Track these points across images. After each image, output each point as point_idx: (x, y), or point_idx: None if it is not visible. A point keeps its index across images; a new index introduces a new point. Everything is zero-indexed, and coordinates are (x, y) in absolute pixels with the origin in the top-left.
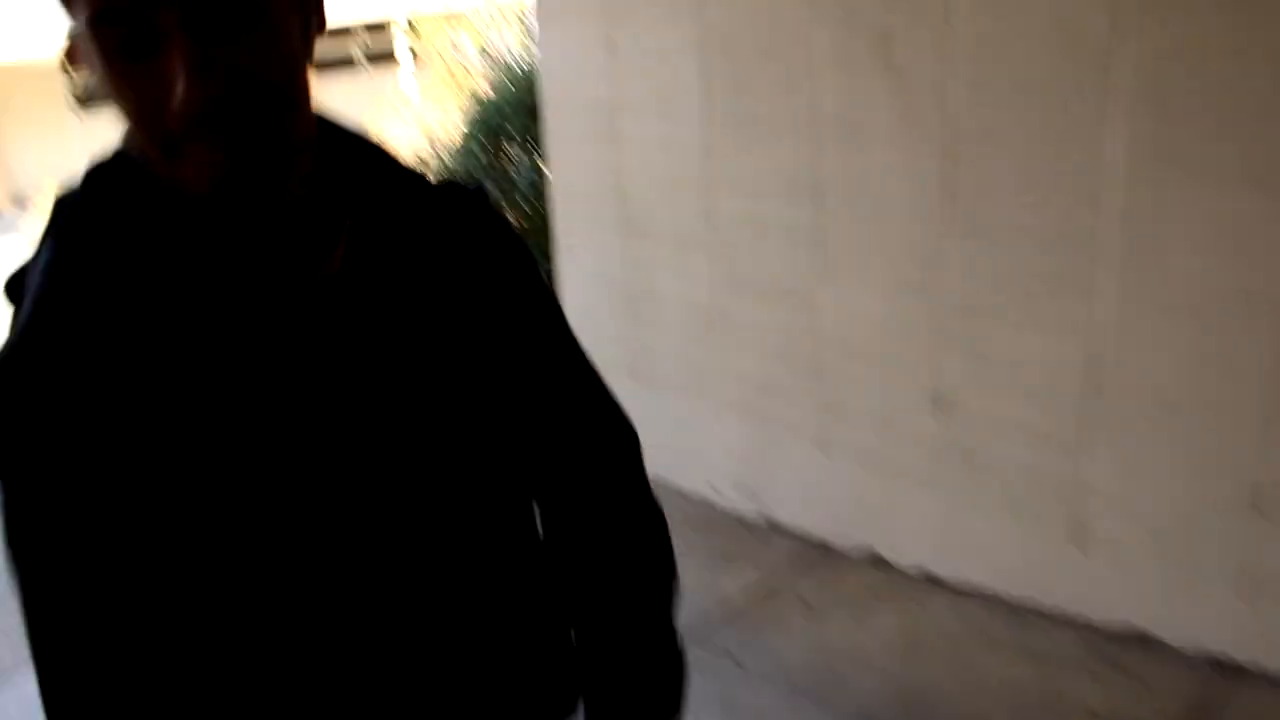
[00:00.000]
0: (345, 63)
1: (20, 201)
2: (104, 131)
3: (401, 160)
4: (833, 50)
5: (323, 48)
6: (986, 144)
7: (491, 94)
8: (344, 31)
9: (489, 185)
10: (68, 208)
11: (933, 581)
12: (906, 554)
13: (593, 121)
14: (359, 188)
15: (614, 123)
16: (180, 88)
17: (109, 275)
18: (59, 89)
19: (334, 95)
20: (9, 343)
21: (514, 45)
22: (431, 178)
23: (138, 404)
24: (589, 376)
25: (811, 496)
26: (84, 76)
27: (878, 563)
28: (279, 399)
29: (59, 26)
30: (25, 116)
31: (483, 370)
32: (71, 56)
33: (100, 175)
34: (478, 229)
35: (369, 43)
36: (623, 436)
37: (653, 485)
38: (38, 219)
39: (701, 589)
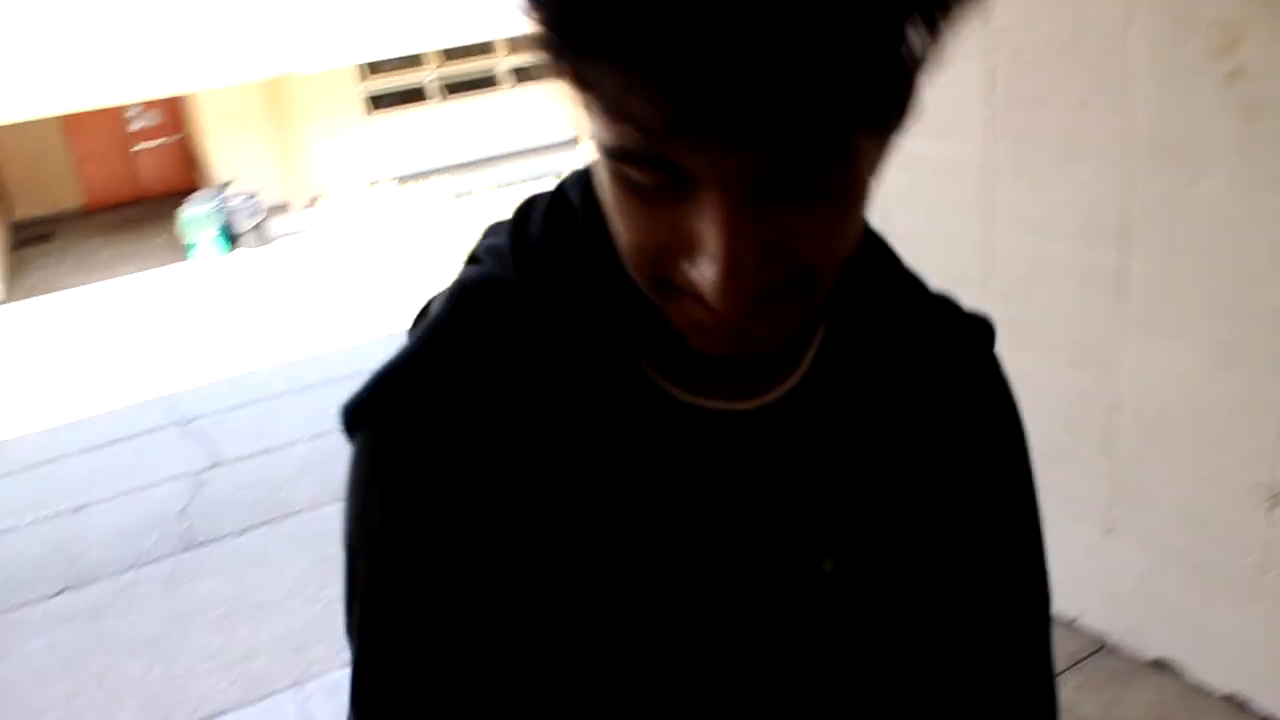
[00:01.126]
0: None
1: (314, 202)
2: (391, 132)
3: (901, 262)
4: (1155, 53)
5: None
6: None
7: None
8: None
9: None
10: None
11: (1240, 706)
12: (1212, 671)
13: None
14: (847, 288)
15: None
16: (709, 267)
17: (520, 348)
18: (353, 95)
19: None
20: (392, 371)
21: None
22: (937, 291)
23: (524, 512)
24: (1041, 623)
25: (1094, 587)
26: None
27: (1170, 674)
28: (693, 533)
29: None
30: (321, 121)
31: (944, 546)
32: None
33: (541, 224)
34: (976, 372)
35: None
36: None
37: None
38: (330, 218)
39: None
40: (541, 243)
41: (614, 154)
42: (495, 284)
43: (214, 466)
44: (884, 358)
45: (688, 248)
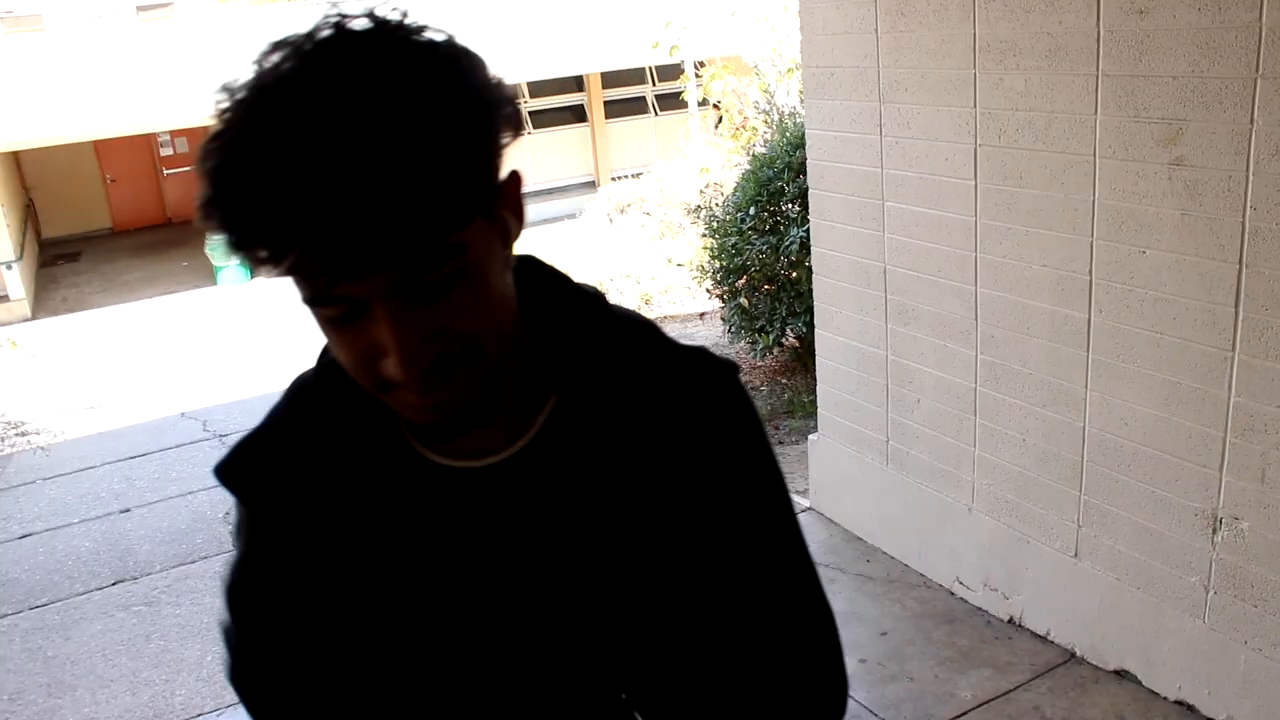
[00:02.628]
0: (638, 104)
1: None
2: None
3: (624, 322)
4: (1116, 140)
5: (616, 91)
6: None
7: (768, 147)
8: (637, 74)
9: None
10: (299, 383)
11: (1189, 710)
12: (1164, 679)
13: (859, 198)
14: (572, 361)
15: (880, 201)
16: (391, 360)
17: (322, 431)
18: None
19: (624, 137)
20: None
21: (794, 99)
22: (674, 340)
23: (335, 549)
24: (809, 614)
25: (1063, 604)
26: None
27: (1128, 682)
28: (446, 566)
29: None
30: None
31: (671, 568)
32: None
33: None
34: (711, 411)
35: (658, 86)
36: (827, 695)
37: (898, 571)
38: None
39: (932, 684)
40: (329, 352)
41: (306, 301)
42: (308, 383)
43: None
44: (610, 414)
45: (378, 352)
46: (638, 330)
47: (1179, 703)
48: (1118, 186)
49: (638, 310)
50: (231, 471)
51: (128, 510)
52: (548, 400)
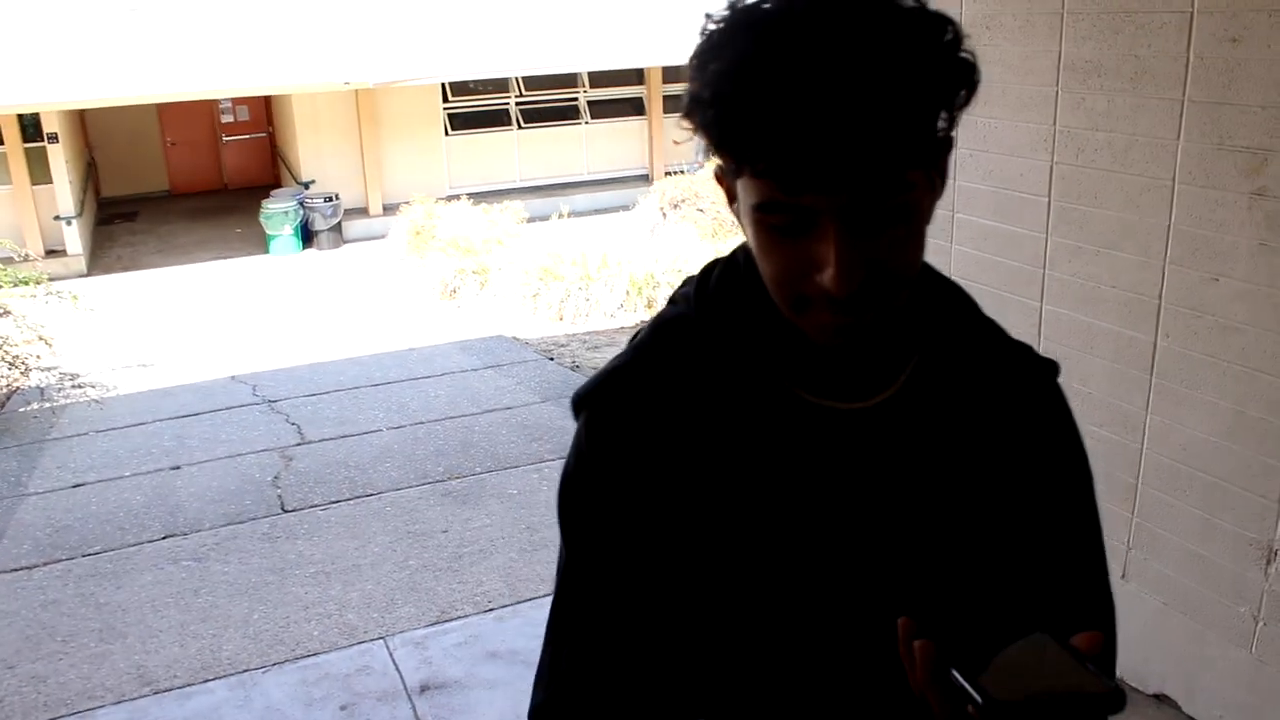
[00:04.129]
0: None
1: (391, 209)
2: (468, 151)
3: (980, 314)
4: (1197, 166)
5: (675, 87)
6: None
7: None
8: None
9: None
10: (661, 321)
11: None
12: (1204, 706)
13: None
14: (936, 327)
15: (951, 212)
16: (829, 276)
17: (697, 366)
18: (428, 108)
19: (680, 132)
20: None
21: None
22: (1009, 334)
23: (697, 486)
24: (1106, 595)
25: None
26: (727, 199)
27: (1167, 707)
28: (822, 501)
29: (442, 57)
30: (399, 131)
31: (1004, 521)
32: (721, 180)
33: (718, 276)
34: (1037, 396)
35: None
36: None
37: None
38: (404, 225)
39: None
40: (714, 291)
41: (760, 208)
42: (682, 320)
43: (300, 444)
44: (962, 379)
45: (812, 266)
46: (987, 321)
47: None
48: (1195, 213)
49: None
50: (594, 400)
51: (178, 467)
52: (911, 359)
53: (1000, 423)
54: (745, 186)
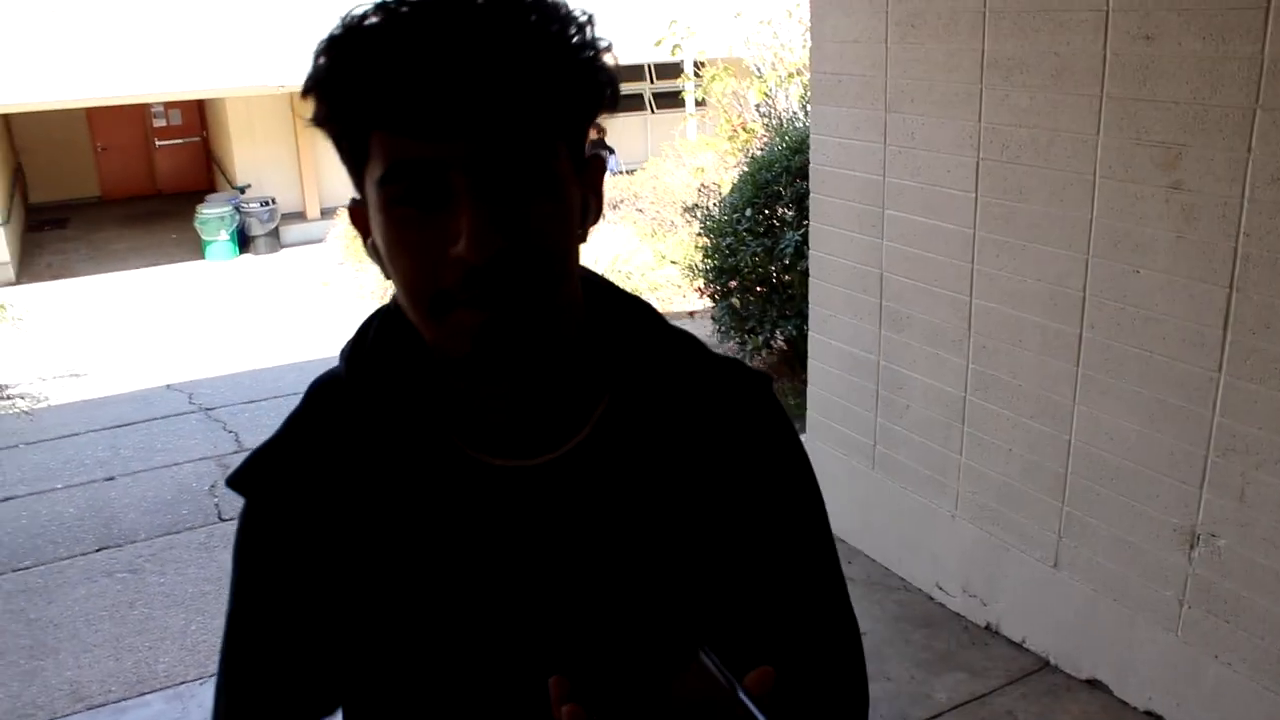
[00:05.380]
0: (634, 100)
1: (329, 213)
2: None
3: (673, 331)
4: (1114, 162)
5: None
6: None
7: (765, 150)
8: (635, 71)
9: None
10: (317, 385)
11: None
12: (1134, 689)
13: (859, 204)
14: (625, 359)
15: (880, 208)
16: (464, 240)
17: (355, 430)
18: None
19: (619, 133)
20: (262, 448)
21: (794, 104)
22: (713, 351)
23: (360, 551)
24: (841, 623)
25: (1040, 612)
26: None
27: (1100, 691)
28: (478, 563)
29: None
30: None
31: (714, 565)
32: (355, 219)
33: (376, 328)
34: (751, 417)
35: (656, 84)
36: (855, 702)
37: (879, 574)
38: (342, 229)
39: (909, 685)
40: (371, 345)
41: (384, 179)
42: (334, 381)
43: (238, 451)
44: (662, 415)
45: (448, 243)
46: (683, 340)
47: (1148, 713)
48: (1115, 206)
49: None
50: (249, 479)
51: (112, 478)
52: (601, 401)
53: (711, 453)
54: (371, 178)
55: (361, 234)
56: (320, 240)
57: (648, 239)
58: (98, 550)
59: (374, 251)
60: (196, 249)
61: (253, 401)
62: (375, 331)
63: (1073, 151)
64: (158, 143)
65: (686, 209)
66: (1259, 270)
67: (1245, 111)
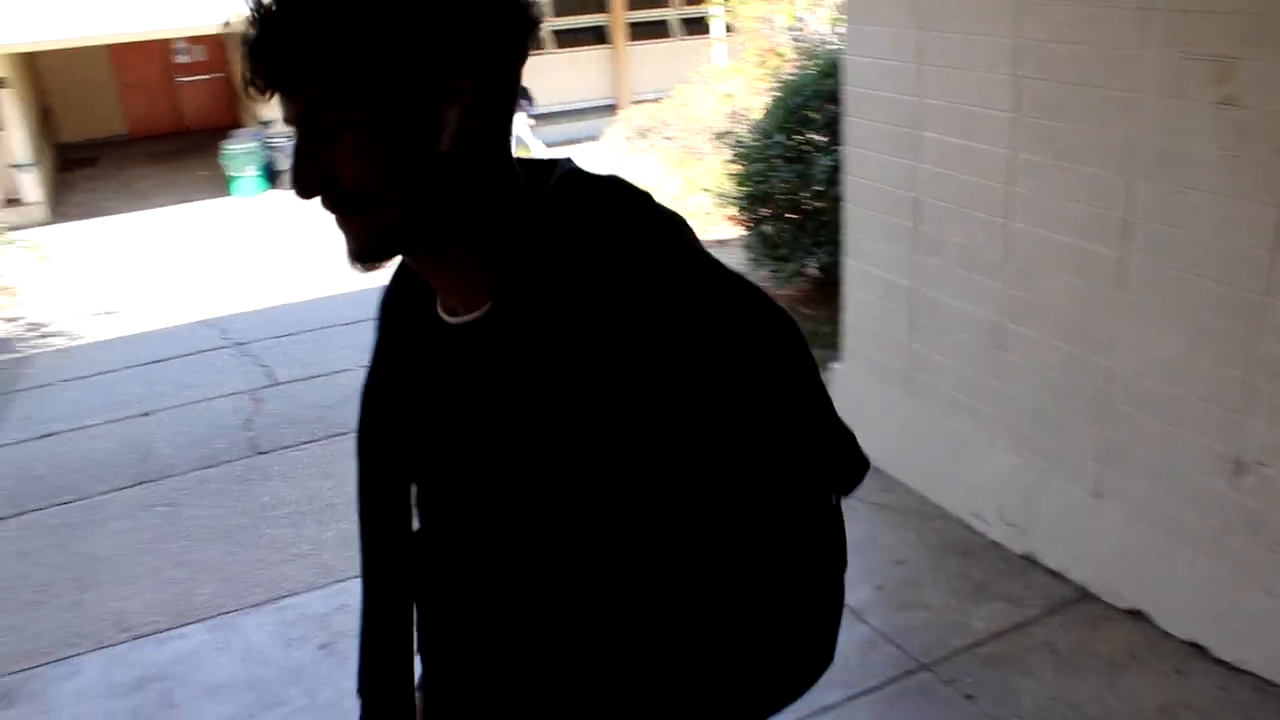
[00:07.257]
0: (660, 27)
1: None
2: None
3: (625, 225)
4: (1160, 78)
5: (638, 14)
6: None
7: (796, 74)
8: None
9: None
10: None
11: (1200, 651)
12: (1175, 618)
13: (894, 127)
14: (520, 245)
15: (916, 130)
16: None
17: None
18: None
19: (646, 60)
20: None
21: (825, 27)
22: (682, 253)
23: (391, 359)
24: (754, 555)
25: (1079, 541)
26: None
27: (1141, 621)
28: (433, 405)
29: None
30: None
31: (597, 460)
32: None
33: None
34: (670, 326)
35: (684, 9)
36: (766, 640)
37: (916, 502)
38: None
39: (946, 613)
40: None
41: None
42: None
43: (271, 385)
44: (555, 300)
45: None
46: (633, 234)
47: (1189, 643)
48: (1161, 124)
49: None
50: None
51: (148, 414)
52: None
53: (599, 351)
54: None
55: None
56: None
57: (676, 167)
58: (136, 485)
59: None
60: (224, 185)
61: (285, 335)
62: None
63: (1115, 67)
64: (180, 79)
65: (716, 136)
66: None
67: None
